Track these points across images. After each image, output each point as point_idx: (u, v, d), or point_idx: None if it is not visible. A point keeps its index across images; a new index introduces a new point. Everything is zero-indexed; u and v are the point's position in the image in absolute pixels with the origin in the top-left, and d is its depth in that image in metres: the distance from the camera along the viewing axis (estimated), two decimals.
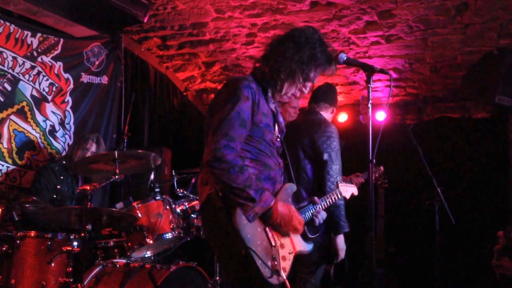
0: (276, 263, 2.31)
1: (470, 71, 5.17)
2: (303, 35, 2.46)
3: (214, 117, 2.34)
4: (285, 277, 2.33)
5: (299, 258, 2.51)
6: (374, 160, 2.52)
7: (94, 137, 4.29)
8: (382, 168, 4.65)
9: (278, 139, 2.56)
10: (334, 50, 2.54)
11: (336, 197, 3.01)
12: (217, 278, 3.74)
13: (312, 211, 2.69)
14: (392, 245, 5.22)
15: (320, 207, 2.74)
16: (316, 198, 2.73)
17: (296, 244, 2.49)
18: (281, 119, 2.60)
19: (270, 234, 2.35)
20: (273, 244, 2.35)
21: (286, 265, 2.39)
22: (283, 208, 2.36)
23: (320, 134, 3.49)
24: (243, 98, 2.33)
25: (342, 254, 3.46)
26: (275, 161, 2.50)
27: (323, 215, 2.70)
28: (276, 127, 2.55)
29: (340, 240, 3.44)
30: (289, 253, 2.44)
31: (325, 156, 3.43)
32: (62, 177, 4.11)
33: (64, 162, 4.23)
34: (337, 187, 3.09)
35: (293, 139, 3.49)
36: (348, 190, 3.14)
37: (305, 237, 2.58)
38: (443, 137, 5.98)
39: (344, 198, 3.11)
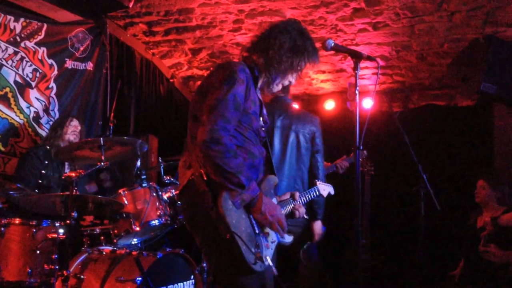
0: (259, 250, 2.32)
1: (456, 59, 5.20)
2: (296, 28, 2.51)
3: (209, 97, 2.32)
4: (270, 262, 2.34)
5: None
6: (361, 147, 2.54)
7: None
8: (365, 152, 4.70)
9: (263, 129, 2.57)
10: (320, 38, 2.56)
11: (315, 193, 3.07)
12: (204, 264, 3.75)
13: (292, 205, 2.73)
14: (377, 231, 5.27)
15: (300, 202, 2.79)
16: (297, 193, 2.77)
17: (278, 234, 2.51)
18: (265, 111, 2.61)
19: (254, 222, 2.36)
20: (257, 231, 2.35)
21: (268, 253, 2.41)
22: (267, 199, 2.38)
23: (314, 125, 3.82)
24: (239, 81, 2.33)
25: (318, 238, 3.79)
26: (259, 150, 2.50)
27: (302, 210, 2.77)
28: (261, 118, 2.56)
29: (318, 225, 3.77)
30: (272, 242, 2.47)
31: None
32: (46, 162, 4.06)
33: (48, 147, 4.17)
34: (316, 184, 3.14)
35: (290, 128, 3.75)
36: (326, 188, 3.23)
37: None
38: (429, 124, 6.02)
39: (321, 196, 3.16)
